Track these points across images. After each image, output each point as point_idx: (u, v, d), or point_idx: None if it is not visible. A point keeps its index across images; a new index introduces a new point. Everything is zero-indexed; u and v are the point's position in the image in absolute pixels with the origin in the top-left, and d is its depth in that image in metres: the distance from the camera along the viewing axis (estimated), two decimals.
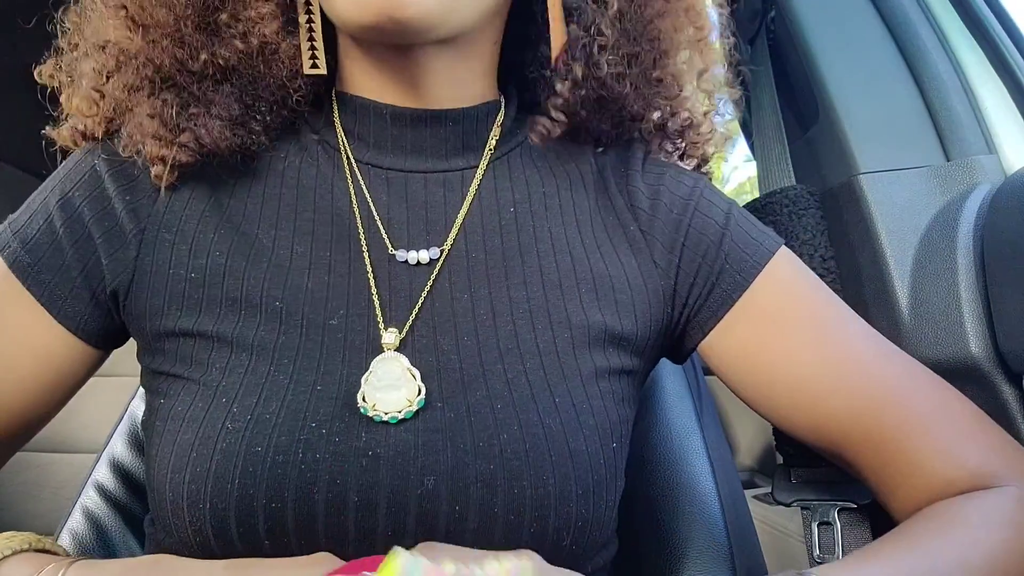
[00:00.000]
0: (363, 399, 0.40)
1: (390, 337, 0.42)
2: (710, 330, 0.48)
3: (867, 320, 0.60)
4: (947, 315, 0.53)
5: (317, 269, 0.44)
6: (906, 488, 0.44)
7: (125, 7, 0.44)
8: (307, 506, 0.38)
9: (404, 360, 0.41)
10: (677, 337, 0.50)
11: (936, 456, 0.43)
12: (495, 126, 0.50)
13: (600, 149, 0.52)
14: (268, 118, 0.46)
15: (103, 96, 0.46)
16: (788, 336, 0.46)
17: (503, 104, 0.51)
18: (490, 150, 0.49)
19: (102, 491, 0.63)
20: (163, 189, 0.45)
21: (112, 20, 0.44)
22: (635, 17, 0.47)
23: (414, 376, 0.41)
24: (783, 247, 0.49)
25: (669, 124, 0.51)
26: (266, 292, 0.43)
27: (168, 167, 0.44)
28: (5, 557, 0.37)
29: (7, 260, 0.44)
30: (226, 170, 0.46)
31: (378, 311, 0.43)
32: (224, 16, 0.44)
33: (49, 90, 0.49)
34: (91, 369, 0.48)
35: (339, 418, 0.39)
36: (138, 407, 0.69)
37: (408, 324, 0.43)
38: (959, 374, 0.52)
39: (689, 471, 0.59)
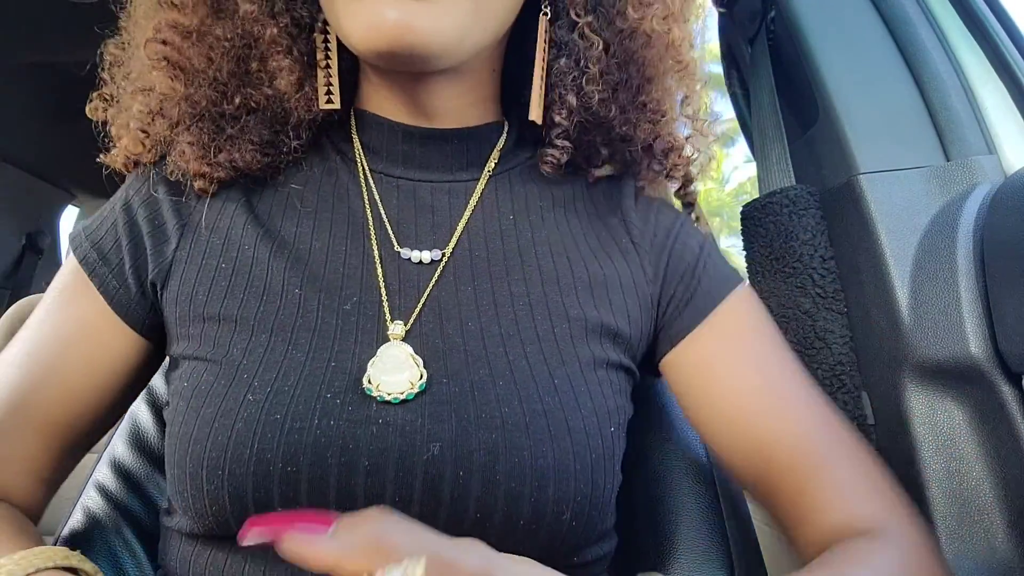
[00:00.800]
0: (368, 381, 0.42)
1: (397, 328, 0.45)
2: (678, 342, 0.52)
3: (867, 320, 0.60)
4: (947, 315, 0.53)
5: (333, 261, 0.48)
6: (813, 521, 0.47)
7: (167, 58, 0.49)
8: (320, 470, 0.40)
9: (408, 348, 0.44)
10: (651, 345, 0.53)
11: (844, 497, 0.47)
12: (497, 148, 0.54)
13: (592, 180, 0.56)
14: (295, 143, 0.52)
15: (148, 135, 0.52)
16: (740, 361, 0.50)
17: (506, 127, 0.55)
18: (490, 168, 0.54)
19: (103, 491, 0.63)
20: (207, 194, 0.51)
21: (155, 69, 0.50)
22: (621, 49, 0.51)
23: (417, 363, 0.44)
24: (747, 284, 0.54)
25: (655, 145, 0.55)
26: (287, 280, 0.47)
27: (209, 181, 0.50)
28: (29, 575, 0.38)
29: (78, 256, 0.51)
30: (258, 178, 0.52)
31: (385, 303, 0.47)
32: (255, 65, 0.50)
33: (95, 120, 0.55)
34: (146, 361, 0.52)
35: (352, 390, 0.42)
36: (138, 407, 0.69)
37: (414, 316, 0.47)
38: (959, 374, 0.52)
39: (689, 471, 0.59)
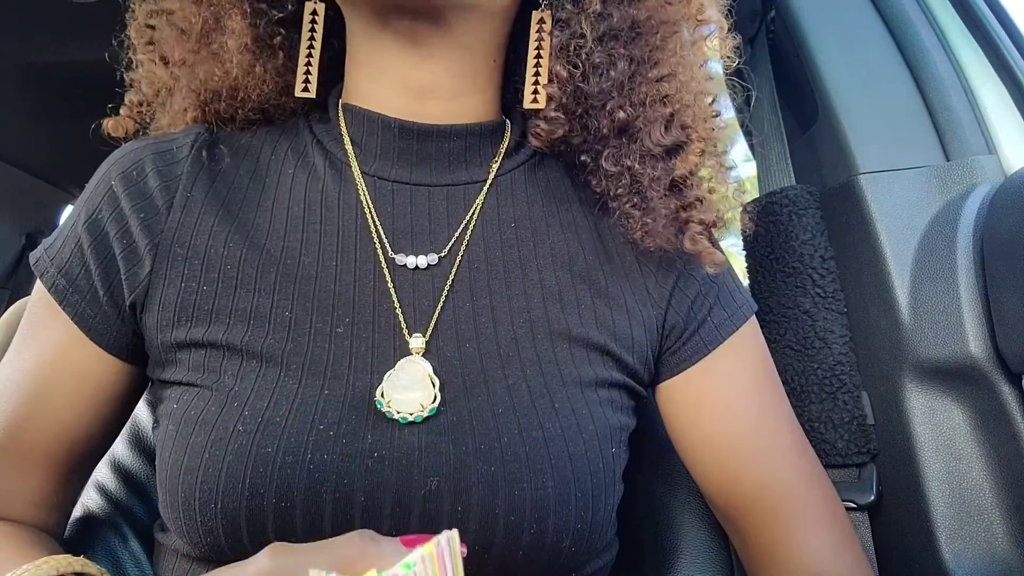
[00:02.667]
0: (382, 395, 0.41)
1: (417, 342, 0.44)
2: (677, 373, 0.50)
3: (867, 320, 0.60)
4: (947, 315, 0.53)
5: (324, 279, 0.45)
6: (784, 567, 0.48)
7: (152, 42, 0.52)
8: (315, 506, 0.38)
9: (428, 367, 0.43)
10: (653, 369, 0.51)
11: (818, 550, 0.48)
12: (500, 146, 0.51)
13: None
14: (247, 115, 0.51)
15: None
16: (736, 403, 0.50)
17: (508, 128, 0.52)
18: (492, 170, 0.51)
19: (103, 491, 0.63)
20: (173, 206, 0.47)
21: (143, 54, 0.52)
22: (620, 15, 0.47)
23: (433, 383, 0.42)
24: (754, 315, 0.52)
25: (665, 135, 0.48)
26: (276, 303, 0.44)
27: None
28: None
29: (46, 284, 0.47)
30: (235, 185, 0.48)
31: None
32: (214, 46, 0.50)
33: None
34: (134, 383, 0.49)
35: (346, 420, 0.40)
36: (140, 408, 0.69)
37: (427, 329, 0.45)
38: (959, 374, 0.52)
39: (689, 475, 0.59)
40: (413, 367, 0.42)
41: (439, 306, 0.45)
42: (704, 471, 0.51)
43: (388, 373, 0.42)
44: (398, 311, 0.45)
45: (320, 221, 0.47)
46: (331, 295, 0.45)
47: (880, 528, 0.59)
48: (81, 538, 0.60)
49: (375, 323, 0.44)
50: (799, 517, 0.49)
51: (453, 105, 0.49)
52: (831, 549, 0.48)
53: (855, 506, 0.58)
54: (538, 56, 0.48)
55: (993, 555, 0.51)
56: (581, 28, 0.47)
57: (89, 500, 0.63)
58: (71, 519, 0.61)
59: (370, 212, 0.48)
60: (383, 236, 0.47)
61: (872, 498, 0.57)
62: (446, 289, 0.46)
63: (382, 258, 0.46)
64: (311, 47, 0.48)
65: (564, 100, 0.48)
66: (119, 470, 0.65)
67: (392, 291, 0.45)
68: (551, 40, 0.48)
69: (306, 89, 0.48)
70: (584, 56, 0.47)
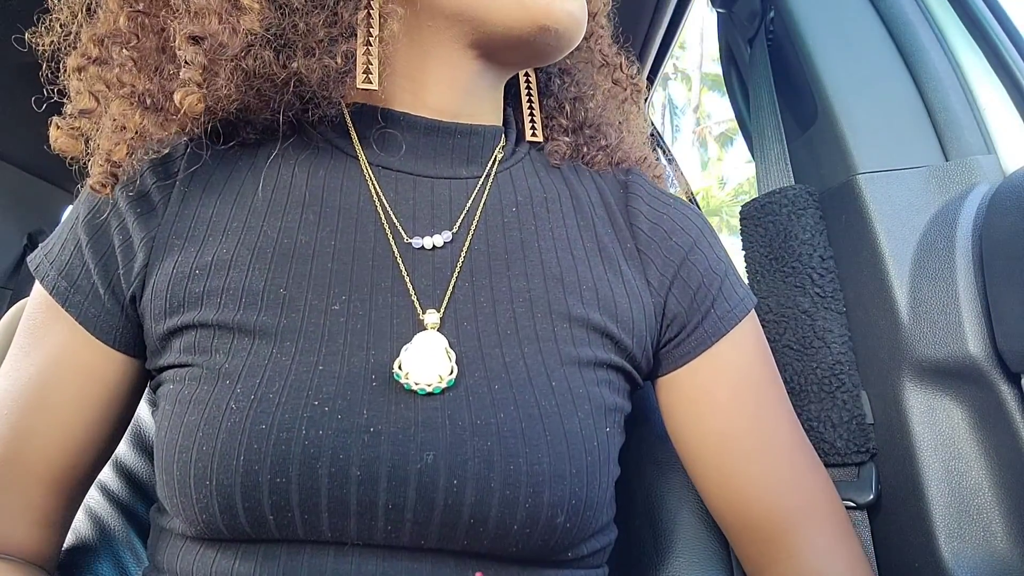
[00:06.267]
0: (399, 367, 0.42)
1: (432, 318, 0.44)
2: (683, 364, 0.51)
3: (866, 319, 0.60)
4: (946, 315, 0.53)
5: (320, 257, 0.46)
6: (778, 567, 0.49)
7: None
8: (311, 480, 0.39)
9: (444, 341, 0.43)
10: (651, 360, 0.52)
11: (814, 549, 0.48)
12: (499, 147, 0.54)
13: (595, 170, 0.59)
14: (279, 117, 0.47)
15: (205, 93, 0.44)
16: (736, 399, 0.50)
17: (505, 129, 0.56)
18: (494, 164, 0.53)
19: (105, 491, 0.63)
20: (170, 201, 0.47)
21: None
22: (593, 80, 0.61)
23: (449, 356, 0.43)
24: (754, 308, 0.54)
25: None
26: (270, 280, 0.44)
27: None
28: None
29: (47, 287, 0.47)
30: (234, 174, 0.49)
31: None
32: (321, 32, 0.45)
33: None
34: (138, 381, 0.49)
35: (342, 396, 0.41)
36: (141, 408, 0.69)
37: (441, 306, 0.46)
38: (958, 374, 0.52)
39: (687, 470, 0.60)
40: (430, 341, 0.43)
41: (451, 285, 0.46)
42: (703, 467, 0.51)
43: (405, 346, 0.43)
44: (410, 288, 0.45)
45: (320, 204, 0.48)
46: (328, 273, 0.45)
47: (879, 527, 0.59)
48: (84, 538, 0.61)
49: (372, 300, 0.45)
50: (798, 514, 0.49)
51: (484, 111, 0.53)
52: (830, 546, 0.48)
53: (854, 505, 0.58)
54: (529, 95, 0.57)
55: (992, 554, 0.51)
56: (573, 77, 0.59)
57: (91, 499, 0.63)
58: (74, 519, 0.62)
59: (376, 194, 0.49)
60: (386, 219, 0.48)
61: (871, 497, 0.58)
62: (458, 269, 0.47)
63: (391, 238, 0.47)
64: (369, 38, 0.46)
65: (566, 124, 0.58)
66: (121, 469, 0.65)
67: (403, 270, 0.46)
68: (537, 81, 0.59)
69: (368, 80, 0.46)
70: (575, 92, 0.59)
